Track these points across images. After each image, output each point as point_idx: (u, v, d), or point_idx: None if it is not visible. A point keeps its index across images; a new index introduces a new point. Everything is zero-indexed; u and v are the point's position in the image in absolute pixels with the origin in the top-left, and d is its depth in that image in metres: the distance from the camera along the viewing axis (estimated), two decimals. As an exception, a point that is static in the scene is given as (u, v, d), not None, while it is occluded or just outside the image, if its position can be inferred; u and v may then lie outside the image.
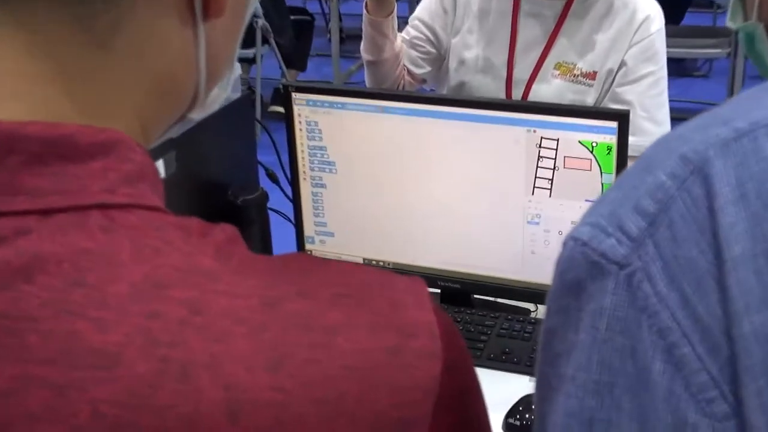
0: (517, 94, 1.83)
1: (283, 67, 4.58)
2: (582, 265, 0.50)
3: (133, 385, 0.42)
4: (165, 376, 0.42)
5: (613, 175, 1.40)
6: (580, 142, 1.39)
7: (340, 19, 5.50)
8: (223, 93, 0.59)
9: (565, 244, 0.51)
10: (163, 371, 0.42)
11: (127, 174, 0.47)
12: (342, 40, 5.16)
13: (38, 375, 0.41)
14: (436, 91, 1.99)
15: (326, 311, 0.47)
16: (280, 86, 1.54)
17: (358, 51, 1.87)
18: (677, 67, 5.10)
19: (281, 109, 1.55)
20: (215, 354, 0.43)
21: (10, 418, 0.41)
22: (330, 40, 5.20)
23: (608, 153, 1.40)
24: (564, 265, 0.51)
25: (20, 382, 0.41)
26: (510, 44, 1.82)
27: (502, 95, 1.81)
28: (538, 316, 1.55)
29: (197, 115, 0.58)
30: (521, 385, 1.35)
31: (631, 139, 1.39)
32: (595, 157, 1.40)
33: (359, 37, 1.86)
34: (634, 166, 0.53)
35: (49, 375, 0.41)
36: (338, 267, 0.51)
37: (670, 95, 1.82)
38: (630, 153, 1.41)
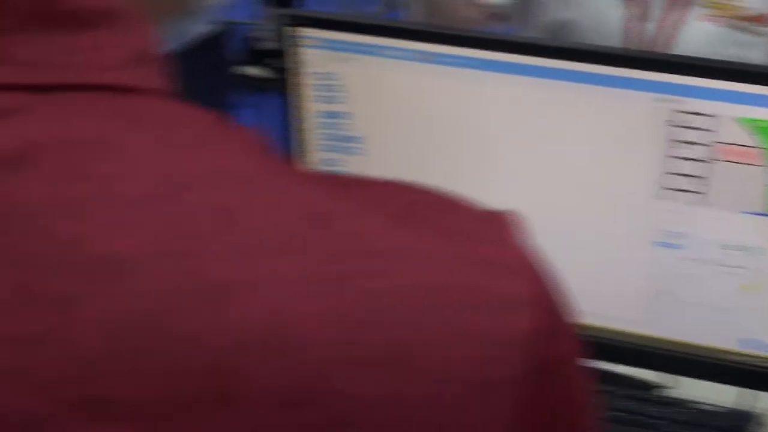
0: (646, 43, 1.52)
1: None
2: None
3: (148, 306, 0.41)
4: (190, 297, 0.41)
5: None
6: (739, 120, 1.02)
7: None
8: None
9: None
10: (187, 291, 0.41)
11: (136, 51, 0.48)
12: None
13: (36, 288, 0.41)
14: (518, 33, 1.64)
15: (388, 236, 0.45)
16: (268, 23, 1.29)
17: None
18: None
19: (260, 72, 1.20)
20: (255, 274, 0.42)
21: (13, 335, 0.41)
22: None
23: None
24: None
25: (18, 295, 0.41)
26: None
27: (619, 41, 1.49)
28: (678, 395, 1.16)
29: None
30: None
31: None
32: (764, 141, 1.04)
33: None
34: None
35: (46, 287, 0.41)
36: (397, 186, 0.50)
37: None
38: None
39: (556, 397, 0.49)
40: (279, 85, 1.15)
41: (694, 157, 1.05)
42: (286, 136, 1.10)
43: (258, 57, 3.11)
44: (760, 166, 1.03)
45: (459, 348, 0.44)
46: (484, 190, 1.14)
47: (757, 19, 1.38)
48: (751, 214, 1.02)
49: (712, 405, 1.07)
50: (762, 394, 1.07)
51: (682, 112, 1.04)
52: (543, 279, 0.47)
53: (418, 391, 0.42)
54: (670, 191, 1.05)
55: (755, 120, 1.02)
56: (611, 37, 1.44)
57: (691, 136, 1.04)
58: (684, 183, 1.05)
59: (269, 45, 3.15)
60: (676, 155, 1.05)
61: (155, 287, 0.40)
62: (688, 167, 1.05)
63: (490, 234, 0.47)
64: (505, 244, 0.47)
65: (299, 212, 0.44)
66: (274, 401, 0.40)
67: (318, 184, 0.47)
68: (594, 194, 1.09)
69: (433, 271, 0.44)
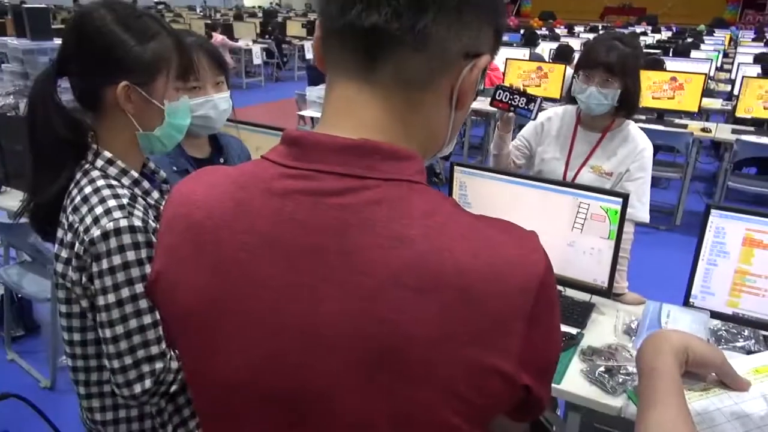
0: (569, 179, 2.74)
1: (439, 160, 6.09)
2: None
3: (417, 258, 0.72)
4: (435, 251, 0.73)
5: (616, 225, 2.35)
6: (600, 207, 2.36)
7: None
8: (451, 147, 0.89)
9: None
10: (435, 249, 0.73)
11: (418, 169, 0.80)
12: (469, 149, 7.37)
13: (382, 244, 0.73)
14: (527, 172, 2.92)
15: (496, 234, 0.77)
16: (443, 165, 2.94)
17: (479, 154, 3.10)
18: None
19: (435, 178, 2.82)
20: (451, 242, 0.74)
21: (385, 267, 0.73)
22: (462, 147, 7.50)
23: (615, 213, 2.33)
24: None
25: (378, 243, 0.74)
26: (569, 152, 2.73)
27: (560, 178, 2.68)
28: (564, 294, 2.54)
29: (442, 153, 0.90)
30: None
31: (627, 210, 2.32)
32: (608, 215, 2.35)
33: (476, 147, 3.25)
34: None
35: (384, 246, 0.73)
36: (496, 219, 0.81)
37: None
38: (626, 218, 2.30)
39: (549, 313, 0.77)
40: (442, 183, 2.79)
41: (584, 218, 2.31)
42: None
43: (435, 173, 5.76)
44: (606, 222, 2.31)
45: (505, 284, 0.72)
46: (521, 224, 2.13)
47: (609, 174, 2.39)
48: (603, 238, 2.30)
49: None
50: None
51: (582, 202, 2.32)
52: (545, 254, 0.76)
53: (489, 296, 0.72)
54: (575, 228, 2.36)
55: (606, 207, 2.28)
56: (557, 176, 2.47)
57: (583, 210, 2.34)
58: (579, 225, 2.35)
59: (439, 168, 5.94)
60: (578, 216, 2.35)
61: (422, 249, 0.70)
62: (581, 220, 2.33)
63: (527, 235, 0.77)
64: (533, 239, 0.77)
65: (465, 222, 0.74)
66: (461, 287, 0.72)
67: (471, 215, 0.75)
68: (549, 229, 2.36)
69: (500, 248, 0.73)
